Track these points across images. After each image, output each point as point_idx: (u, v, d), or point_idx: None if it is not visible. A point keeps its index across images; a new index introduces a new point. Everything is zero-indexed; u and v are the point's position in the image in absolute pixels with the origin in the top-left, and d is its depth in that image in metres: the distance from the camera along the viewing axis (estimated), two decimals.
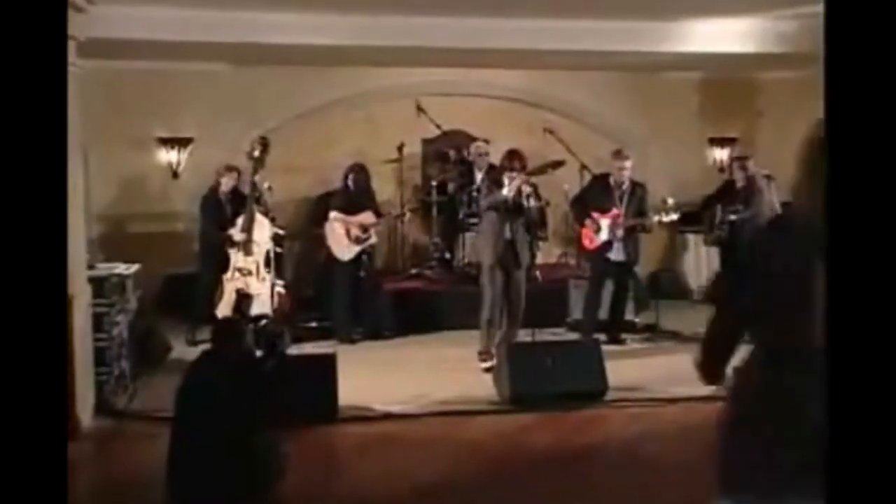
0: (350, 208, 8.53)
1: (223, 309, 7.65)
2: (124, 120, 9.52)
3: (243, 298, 7.54)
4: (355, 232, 8.50)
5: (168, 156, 9.88)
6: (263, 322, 7.22)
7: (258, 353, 5.07)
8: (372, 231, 8.61)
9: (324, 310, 8.78)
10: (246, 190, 8.03)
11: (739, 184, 8.43)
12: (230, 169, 8.31)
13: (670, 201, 7.82)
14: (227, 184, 8.25)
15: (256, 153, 7.69)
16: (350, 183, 8.60)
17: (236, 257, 7.81)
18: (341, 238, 8.49)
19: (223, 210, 8.17)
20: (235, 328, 5.06)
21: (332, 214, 8.52)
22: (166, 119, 9.76)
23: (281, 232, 7.87)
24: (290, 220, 9.14)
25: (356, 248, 8.52)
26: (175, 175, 9.87)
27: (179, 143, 9.83)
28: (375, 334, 8.55)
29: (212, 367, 4.64)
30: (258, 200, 7.84)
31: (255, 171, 7.75)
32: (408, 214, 9.59)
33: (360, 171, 8.66)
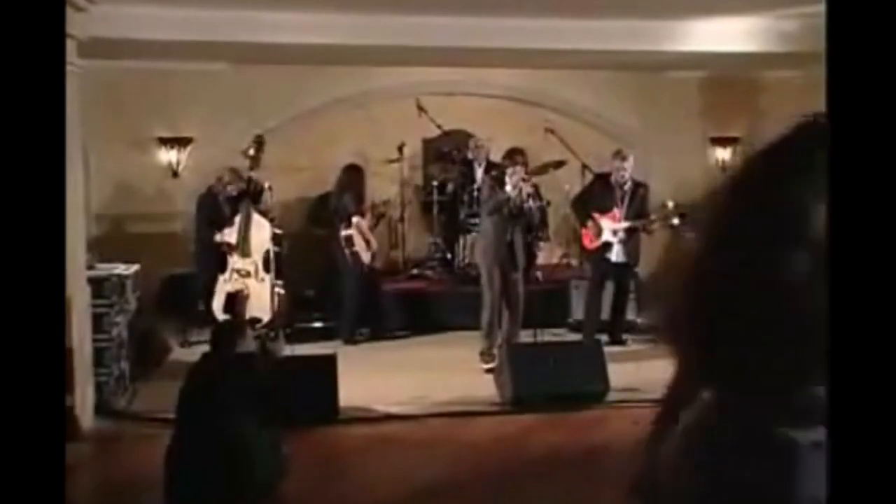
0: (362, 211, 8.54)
1: (220, 310, 7.62)
2: (124, 120, 9.51)
3: (236, 299, 7.50)
4: (367, 235, 8.51)
5: (168, 155, 9.85)
6: (259, 325, 7.20)
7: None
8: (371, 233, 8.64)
9: (326, 310, 8.75)
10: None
11: None
12: (234, 173, 8.24)
13: (670, 205, 7.76)
14: (228, 186, 8.20)
15: (252, 151, 7.68)
16: (359, 184, 8.58)
17: (234, 258, 7.78)
18: (361, 241, 8.46)
19: (220, 210, 8.12)
20: (233, 330, 5.05)
21: (356, 220, 8.43)
22: (166, 119, 9.75)
23: (279, 232, 7.84)
24: (291, 221, 9.12)
25: (370, 251, 8.53)
26: (175, 175, 9.85)
27: (179, 142, 9.80)
28: (376, 335, 8.53)
29: (211, 369, 4.63)
30: (255, 200, 7.81)
31: (250, 170, 7.73)
32: (407, 207, 9.55)
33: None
